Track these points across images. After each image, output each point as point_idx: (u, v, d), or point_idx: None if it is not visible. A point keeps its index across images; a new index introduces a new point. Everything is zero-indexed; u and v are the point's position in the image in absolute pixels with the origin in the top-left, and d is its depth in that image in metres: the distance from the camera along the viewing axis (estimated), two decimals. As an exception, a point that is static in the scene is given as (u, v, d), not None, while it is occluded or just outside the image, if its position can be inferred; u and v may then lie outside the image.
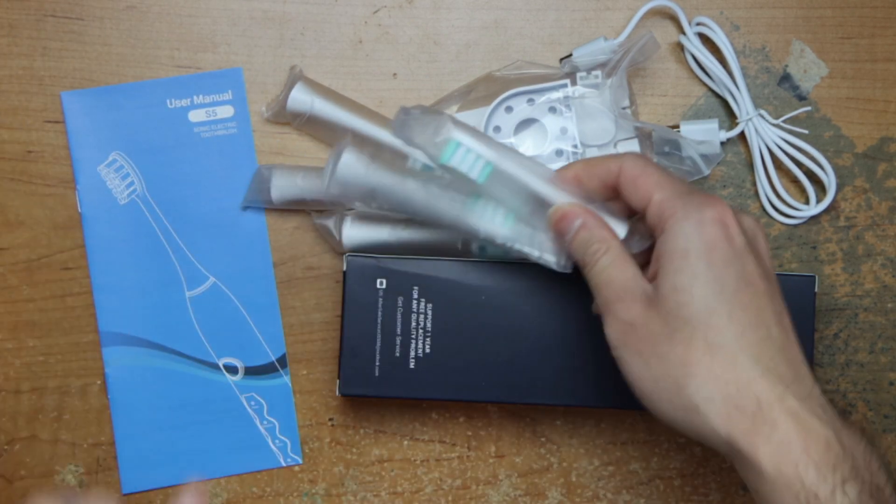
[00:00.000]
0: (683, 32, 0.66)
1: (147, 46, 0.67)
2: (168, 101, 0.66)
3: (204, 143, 0.67)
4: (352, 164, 0.60)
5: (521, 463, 0.67)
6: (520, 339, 0.62)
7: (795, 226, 0.67)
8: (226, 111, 0.66)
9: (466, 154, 0.58)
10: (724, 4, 0.67)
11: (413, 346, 0.62)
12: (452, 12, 0.68)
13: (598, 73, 0.65)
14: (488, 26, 0.67)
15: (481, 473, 0.67)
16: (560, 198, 0.56)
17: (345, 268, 0.63)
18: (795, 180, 0.67)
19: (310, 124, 0.66)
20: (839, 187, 0.67)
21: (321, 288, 0.67)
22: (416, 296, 0.62)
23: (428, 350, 0.62)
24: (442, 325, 0.62)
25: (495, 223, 0.59)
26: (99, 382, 0.66)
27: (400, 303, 0.62)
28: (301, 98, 0.65)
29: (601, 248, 0.53)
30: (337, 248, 0.66)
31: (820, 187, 0.67)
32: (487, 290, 0.62)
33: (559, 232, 0.55)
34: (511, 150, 0.59)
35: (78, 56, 0.66)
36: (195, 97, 0.67)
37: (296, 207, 0.66)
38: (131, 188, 0.66)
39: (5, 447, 0.66)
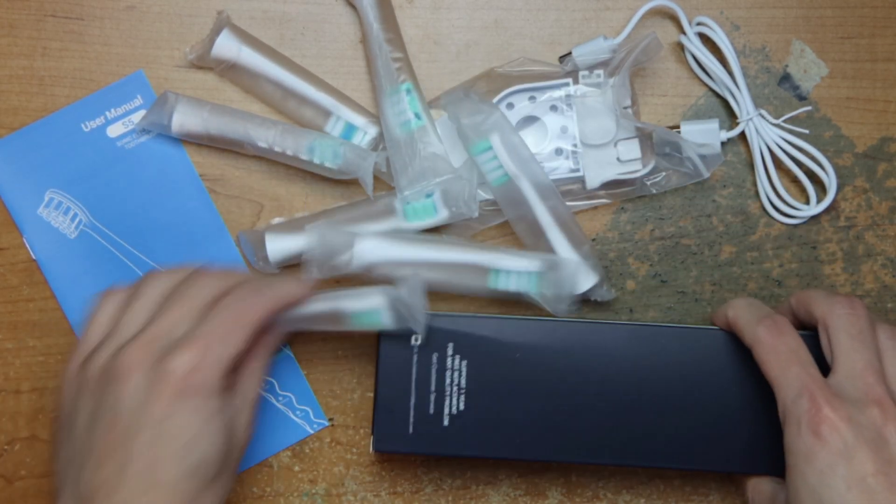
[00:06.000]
0: (683, 32, 0.66)
1: (147, 46, 0.67)
2: (83, 125, 0.66)
3: (131, 155, 0.66)
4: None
5: (521, 463, 0.67)
6: (554, 396, 0.60)
7: (795, 226, 0.67)
8: (140, 116, 0.66)
9: (492, 159, 0.63)
10: (724, 4, 0.68)
11: (447, 402, 0.61)
12: (452, 12, 0.68)
13: (601, 72, 0.65)
14: (488, 26, 0.67)
15: (481, 473, 0.66)
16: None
17: None
18: (796, 180, 0.67)
19: (233, 72, 0.66)
20: (839, 187, 0.67)
21: (321, 288, 0.67)
22: (450, 352, 0.61)
23: (462, 407, 0.61)
24: (476, 381, 0.61)
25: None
26: (99, 382, 0.66)
27: (434, 359, 0.61)
28: (227, 44, 0.65)
29: None
30: (263, 263, 0.64)
31: (820, 187, 0.67)
32: (523, 347, 0.61)
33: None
34: (535, 173, 0.63)
35: (78, 56, 0.66)
36: (107, 113, 0.66)
37: (196, 141, 0.65)
38: (76, 220, 0.66)
39: (5, 447, 0.66)
